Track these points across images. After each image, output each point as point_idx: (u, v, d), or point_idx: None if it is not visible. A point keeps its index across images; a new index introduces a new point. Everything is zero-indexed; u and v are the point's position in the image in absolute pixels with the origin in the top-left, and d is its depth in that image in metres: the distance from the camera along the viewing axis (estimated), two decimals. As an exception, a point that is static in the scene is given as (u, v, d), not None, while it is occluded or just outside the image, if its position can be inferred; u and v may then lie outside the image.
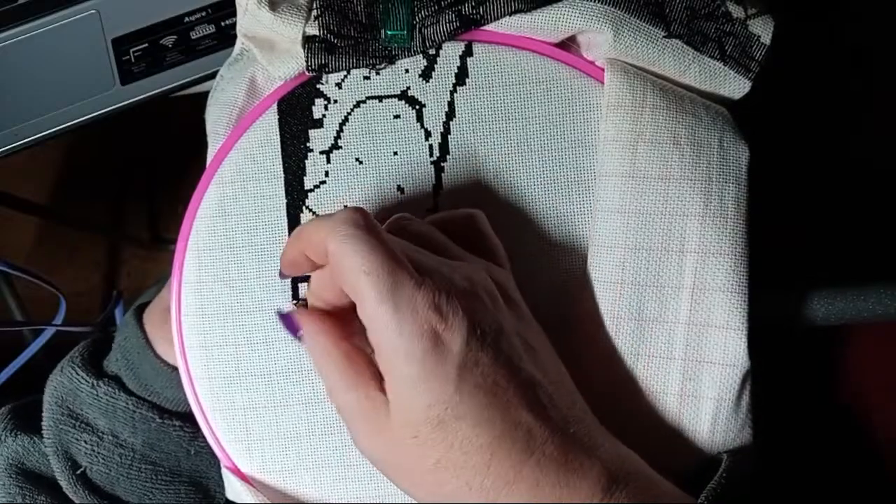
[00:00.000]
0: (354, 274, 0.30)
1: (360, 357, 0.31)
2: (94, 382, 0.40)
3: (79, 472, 0.40)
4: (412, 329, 0.29)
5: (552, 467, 0.29)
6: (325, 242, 0.31)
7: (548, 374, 0.31)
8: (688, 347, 0.35)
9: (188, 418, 0.40)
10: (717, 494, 0.31)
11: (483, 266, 0.33)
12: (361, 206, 0.37)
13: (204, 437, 0.39)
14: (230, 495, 0.39)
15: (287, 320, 0.33)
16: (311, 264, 0.32)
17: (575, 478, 0.29)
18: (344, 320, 0.32)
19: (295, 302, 0.38)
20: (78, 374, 0.41)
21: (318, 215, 0.38)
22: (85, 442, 0.40)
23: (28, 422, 0.42)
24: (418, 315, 0.29)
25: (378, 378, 0.31)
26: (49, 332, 0.52)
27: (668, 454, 0.34)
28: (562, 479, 0.29)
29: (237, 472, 0.38)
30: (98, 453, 0.40)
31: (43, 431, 0.40)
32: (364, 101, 0.38)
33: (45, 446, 0.40)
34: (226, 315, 0.38)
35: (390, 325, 0.29)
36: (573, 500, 0.29)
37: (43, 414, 0.41)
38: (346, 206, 0.36)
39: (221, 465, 0.38)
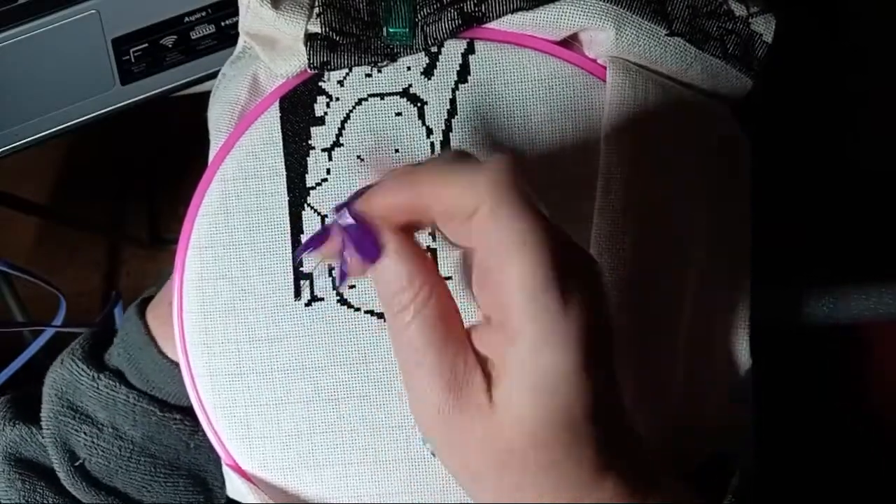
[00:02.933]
0: (507, 232, 0.24)
1: (459, 324, 0.26)
2: (95, 375, 0.40)
3: (77, 463, 0.40)
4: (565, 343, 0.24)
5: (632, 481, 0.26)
6: (469, 199, 0.25)
7: None
8: (690, 346, 0.35)
9: (188, 412, 0.40)
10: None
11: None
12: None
13: (204, 431, 0.39)
14: (231, 493, 0.39)
15: (359, 233, 0.25)
16: (404, 219, 0.26)
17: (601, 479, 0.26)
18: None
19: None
20: (78, 367, 0.41)
21: (320, 214, 0.38)
22: (84, 434, 0.40)
23: (26, 412, 0.42)
24: (568, 336, 0.24)
25: (474, 356, 0.26)
26: (49, 332, 0.52)
27: (671, 454, 0.34)
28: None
29: (238, 469, 0.38)
30: (97, 445, 0.40)
31: (42, 422, 0.41)
32: (366, 99, 0.38)
33: (44, 437, 0.40)
34: (227, 312, 0.38)
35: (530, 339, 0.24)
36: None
37: (42, 405, 0.41)
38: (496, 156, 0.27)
39: (222, 462, 0.38)
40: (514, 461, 0.25)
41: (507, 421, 0.25)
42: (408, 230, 0.27)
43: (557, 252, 0.24)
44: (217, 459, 0.39)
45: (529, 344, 0.24)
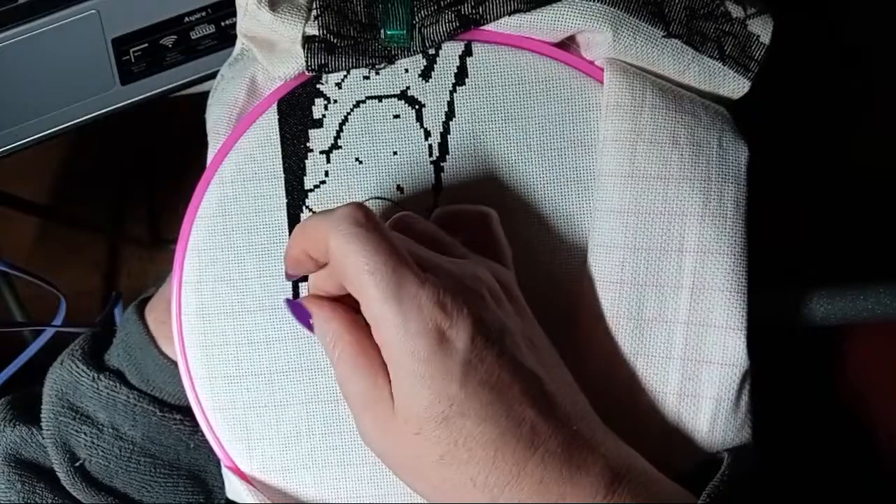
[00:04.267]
0: (357, 273, 0.30)
1: (371, 346, 0.31)
2: (95, 376, 0.40)
3: (77, 464, 0.40)
4: (417, 327, 0.29)
5: (556, 464, 0.29)
6: (325, 240, 0.30)
7: (550, 372, 0.31)
8: (687, 347, 0.35)
9: (189, 412, 0.40)
10: (718, 493, 0.31)
11: (487, 265, 0.33)
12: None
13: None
14: (230, 494, 0.39)
15: (297, 308, 0.33)
16: (314, 263, 0.32)
17: (579, 474, 0.29)
18: (352, 309, 0.32)
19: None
20: (78, 368, 0.41)
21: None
22: (85, 434, 0.40)
23: (26, 412, 0.42)
24: (423, 313, 0.29)
25: (387, 370, 0.31)
26: (49, 332, 0.52)
27: (667, 453, 0.34)
28: (565, 475, 0.29)
29: (237, 471, 0.38)
30: (97, 446, 0.40)
31: (42, 423, 0.41)
32: (364, 101, 0.38)
33: (44, 438, 0.40)
34: (226, 314, 0.38)
35: (395, 323, 0.29)
36: (576, 497, 0.29)
37: (42, 406, 0.41)
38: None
39: (221, 464, 0.38)
40: (425, 444, 0.30)
41: (402, 415, 0.30)
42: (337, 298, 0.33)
43: (399, 267, 0.29)
44: (217, 460, 0.39)
45: (393, 345, 0.30)
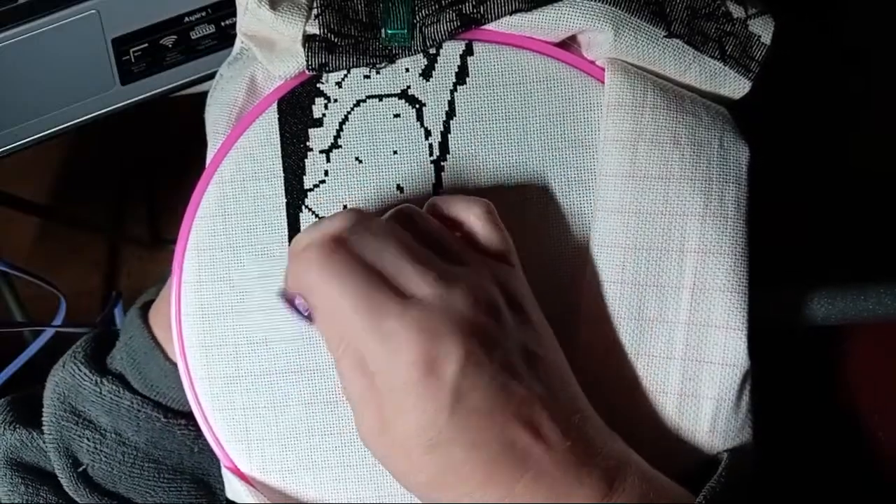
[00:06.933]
0: (334, 309, 0.29)
1: None
2: (98, 380, 0.40)
3: (80, 469, 0.39)
4: (401, 358, 0.29)
5: (547, 483, 0.29)
6: (308, 282, 0.30)
7: (551, 386, 0.31)
8: (688, 347, 0.35)
9: (193, 417, 0.39)
10: (715, 493, 0.31)
11: (489, 270, 0.32)
12: (361, 205, 0.38)
13: None
14: (230, 495, 0.39)
15: (290, 303, 0.33)
16: None
17: (572, 490, 0.29)
18: None
19: None
20: (80, 371, 0.40)
21: (317, 215, 0.38)
22: (87, 439, 0.40)
23: (27, 415, 0.41)
24: (408, 345, 0.29)
25: None
26: (49, 332, 0.52)
27: (668, 453, 0.34)
28: (559, 492, 0.29)
29: (237, 472, 0.38)
30: (100, 451, 0.40)
31: (44, 427, 0.40)
32: (364, 101, 0.38)
33: (46, 442, 0.40)
34: (226, 315, 0.38)
35: (379, 354, 0.29)
36: None
37: (44, 409, 0.41)
38: (319, 219, 0.36)
39: (221, 465, 0.38)
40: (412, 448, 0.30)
41: (390, 437, 0.30)
42: None
43: (378, 297, 0.29)
44: (220, 462, 0.39)
45: (380, 373, 0.29)
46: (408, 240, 0.32)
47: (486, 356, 0.29)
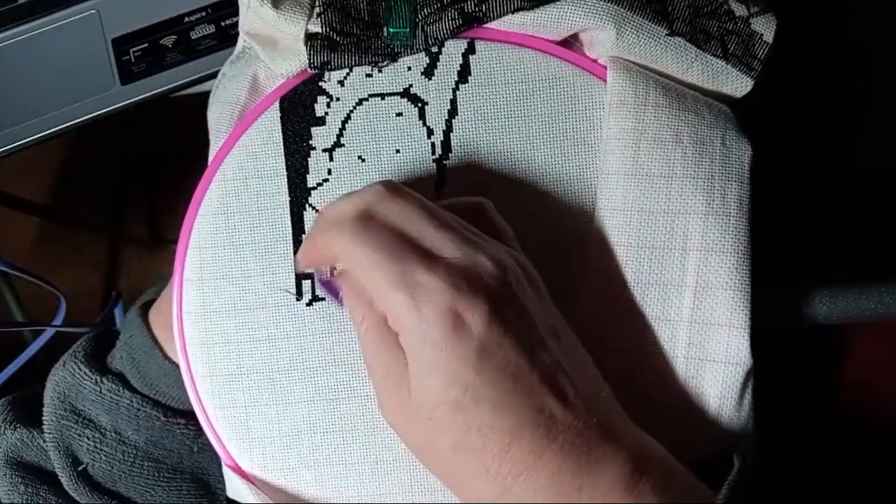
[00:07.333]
0: (365, 270, 0.30)
1: None
2: (98, 379, 0.40)
3: (80, 468, 0.39)
4: (429, 312, 0.29)
5: (574, 455, 0.29)
6: (331, 248, 0.31)
7: (572, 360, 0.31)
8: (690, 346, 0.35)
9: (192, 416, 0.39)
10: (732, 494, 0.30)
11: (506, 250, 0.32)
12: None
13: None
14: (231, 493, 0.39)
15: (328, 285, 0.33)
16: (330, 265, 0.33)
17: (597, 467, 0.29)
18: None
19: None
20: (81, 370, 0.40)
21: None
22: (87, 438, 0.40)
23: (27, 414, 0.41)
24: (435, 296, 0.29)
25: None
26: (49, 332, 0.52)
27: (670, 452, 0.34)
28: (583, 467, 0.29)
29: (238, 470, 0.38)
30: (100, 450, 0.40)
31: (44, 427, 0.40)
32: (366, 99, 0.38)
33: (46, 442, 0.40)
34: (228, 312, 0.38)
35: (406, 308, 0.29)
36: (593, 490, 0.28)
37: (44, 409, 0.41)
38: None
39: (222, 463, 0.38)
40: (440, 425, 0.29)
41: (416, 398, 0.30)
42: None
43: (404, 254, 0.29)
44: (220, 460, 0.39)
45: (407, 330, 0.29)
46: (433, 208, 0.32)
47: (513, 316, 0.29)
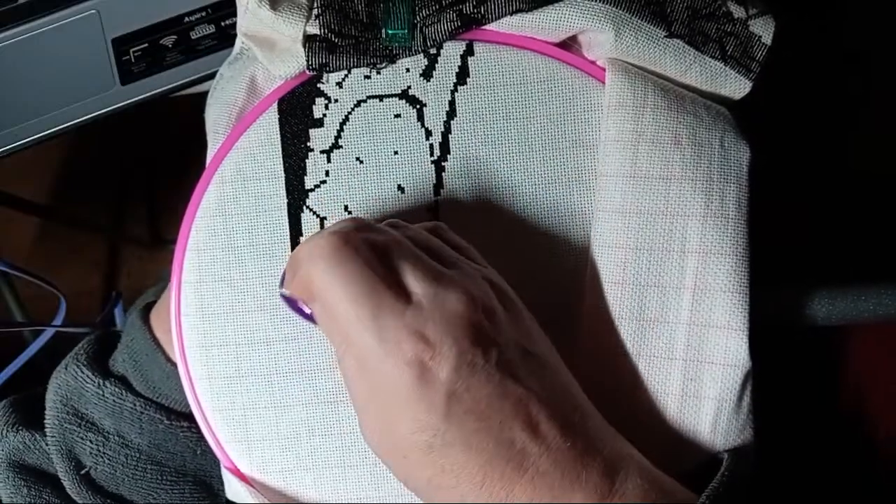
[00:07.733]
0: (336, 303, 0.30)
1: None
2: (100, 382, 0.40)
3: (83, 472, 0.39)
4: (397, 360, 0.29)
5: (546, 482, 0.29)
6: (310, 279, 0.30)
7: (546, 380, 0.31)
8: (689, 348, 0.35)
9: (195, 418, 0.40)
10: (718, 494, 0.31)
11: (479, 272, 0.33)
12: (362, 205, 0.38)
13: None
14: (230, 495, 0.39)
15: (292, 302, 0.33)
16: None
17: (571, 489, 0.29)
18: None
19: None
20: (83, 373, 0.40)
21: (319, 216, 0.38)
22: (90, 442, 0.39)
23: (28, 416, 0.41)
24: (402, 345, 0.29)
25: None
26: (49, 332, 0.52)
27: (669, 454, 0.34)
28: (557, 492, 0.29)
29: (237, 472, 0.38)
30: (103, 453, 0.39)
31: (46, 430, 0.40)
32: (365, 101, 0.38)
33: (49, 445, 0.40)
34: (226, 315, 0.38)
35: (377, 354, 0.29)
36: None
37: (46, 412, 0.41)
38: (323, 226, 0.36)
39: (221, 465, 0.38)
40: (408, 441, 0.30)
41: (389, 438, 0.30)
42: None
43: (378, 296, 0.29)
44: None
45: (376, 374, 0.30)
46: (405, 242, 0.32)
47: (481, 356, 0.29)
